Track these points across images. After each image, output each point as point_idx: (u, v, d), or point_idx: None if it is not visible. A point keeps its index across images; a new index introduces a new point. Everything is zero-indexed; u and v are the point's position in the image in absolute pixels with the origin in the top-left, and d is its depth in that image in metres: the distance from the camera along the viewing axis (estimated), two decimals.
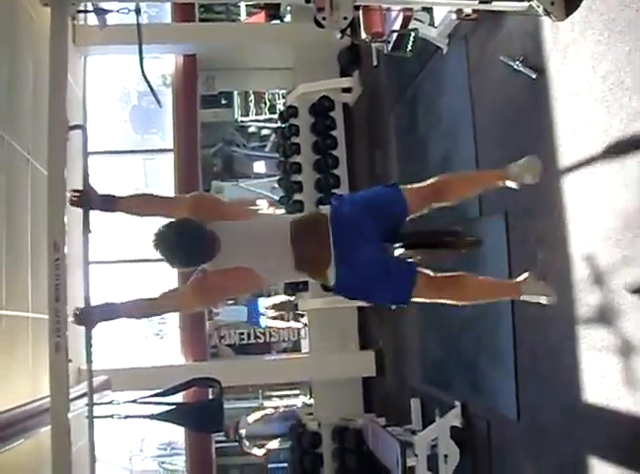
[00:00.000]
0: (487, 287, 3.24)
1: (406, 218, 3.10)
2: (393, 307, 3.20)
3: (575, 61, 3.18)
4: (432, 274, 3.08)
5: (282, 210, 8.10)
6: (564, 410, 3.40)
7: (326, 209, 3.09)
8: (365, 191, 3.32)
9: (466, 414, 4.62)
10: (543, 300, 3.07)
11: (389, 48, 4.93)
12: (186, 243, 2.90)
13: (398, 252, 3.16)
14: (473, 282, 3.19)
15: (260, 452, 8.80)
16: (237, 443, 8.73)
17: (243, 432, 8.59)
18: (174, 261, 2.97)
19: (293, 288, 7.77)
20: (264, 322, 9.46)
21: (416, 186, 3.13)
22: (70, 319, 3.06)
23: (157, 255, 2.94)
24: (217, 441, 8.12)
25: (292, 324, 9.04)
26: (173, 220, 2.98)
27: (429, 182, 3.15)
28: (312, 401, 8.32)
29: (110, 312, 3.08)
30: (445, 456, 4.60)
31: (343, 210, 3.07)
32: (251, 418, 8.84)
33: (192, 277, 3.06)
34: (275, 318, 9.53)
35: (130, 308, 3.10)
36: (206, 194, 3.32)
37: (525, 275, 3.11)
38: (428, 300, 3.13)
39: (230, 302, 9.63)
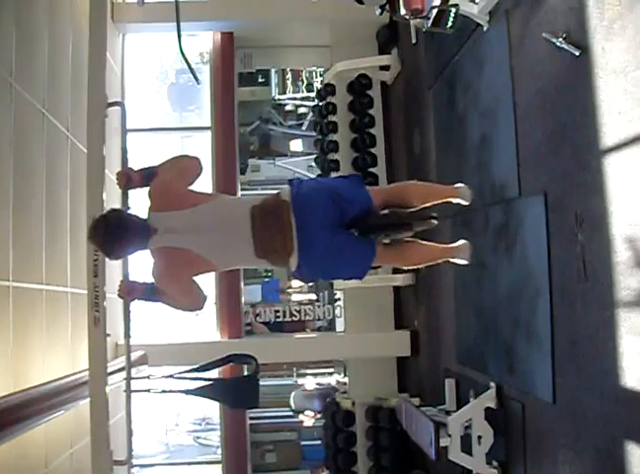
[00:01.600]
0: (431, 253, 3.66)
1: (369, 211, 3.24)
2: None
3: (621, 37, 3.09)
4: (386, 247, 3.41)
5: None
6: (602, 394, 3.35)
7: (286, 195, 3.08)
8: (327, 179, 3.47)
9: (501, 395, 4.59)
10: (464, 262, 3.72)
11: (429, 25, 4.85)
12: (108, 235, 2.97)
13: (355, 233, 3.34)
14: (419, 249, 3.57)
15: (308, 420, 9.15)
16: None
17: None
18: (105, 252, 3.06)
19: None
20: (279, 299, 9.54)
21: (378, 188, 3.37)
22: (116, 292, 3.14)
23: None
24: (251, 418, 8.22)
25: (308, 296, 9.11)
26: (99, 217, 3.06)
27: (390, 187, 3.41)
28: (346, 380, 8.36)
29: (151, 291, 3.12)
30: (479, 437, 4.59)
31: (304, 197, 3.09)
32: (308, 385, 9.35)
33: None
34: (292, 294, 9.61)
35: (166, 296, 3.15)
36: (164, 183, 3.20)
37: (463, 242, 3.75)
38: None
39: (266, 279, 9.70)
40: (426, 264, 3.79)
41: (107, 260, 3.12)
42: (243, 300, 7.95)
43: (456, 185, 3.69)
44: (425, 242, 3.61)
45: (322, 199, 3.07)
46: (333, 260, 3.12)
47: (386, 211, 3.49)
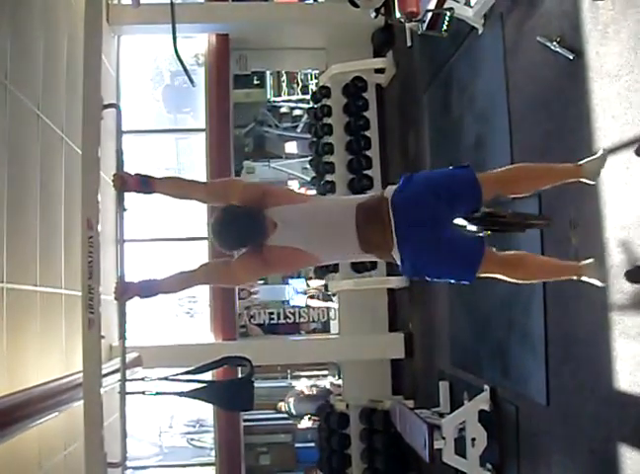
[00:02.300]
0: (548, 268, 3.24)
1: (480, 202, 3.06)
2: (454, 282, 3.25)
3: (615, 42, 3.11)
4: (496, 252, 3.09)
5: (314, 192, 8.10)
6: (595, 397, 3.36)
7: (389, 192, 3.08)
8: (437, 172, 3.31)
9: (495, 398, 4.60)
10: (597, 283, 3.07)
11: (424, 28, 4.86)
12: (240, 226, 3.01)
13: (469, 228, 3.07)
14: (535, 262, 3.22)
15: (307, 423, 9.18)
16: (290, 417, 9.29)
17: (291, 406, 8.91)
18: (229, 243, 3.06)
19: (323, 270, 7.76)
20: (300, 301, 9.55)
21: (487, 175, 3.11)
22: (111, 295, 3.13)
23: (214, 240, 3.09)
24: (245, 420, 8.21)
25: (330, 304, 9.10)
26: (225, 208, 3.07)
27: (501, 172, 3.14)
28: (340, 382, 8.36)
29: (148, 288, 3.12)
30: (473, 440, 4.60)
31: (407, 193, 3.05)
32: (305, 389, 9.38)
33: (241, 253, 3.12)
34: (312, 297, 9.61)
35: (169, 282, 3.15)
36: (253, 185, 3.31)
37: (590, 260, 3.09)
38: (488, 275, 3.12)
39: (261, 282, 9.70)
40: (540, 280, 3.40)
41: (101, 261, 3.11)
42: (269, 299, 7.95)
43: (583, 160, 3.10)
44: (541, 256, 3.28)
45: (425, 197, 2.99)
46: (433, 258, 3.05)
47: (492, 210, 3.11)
